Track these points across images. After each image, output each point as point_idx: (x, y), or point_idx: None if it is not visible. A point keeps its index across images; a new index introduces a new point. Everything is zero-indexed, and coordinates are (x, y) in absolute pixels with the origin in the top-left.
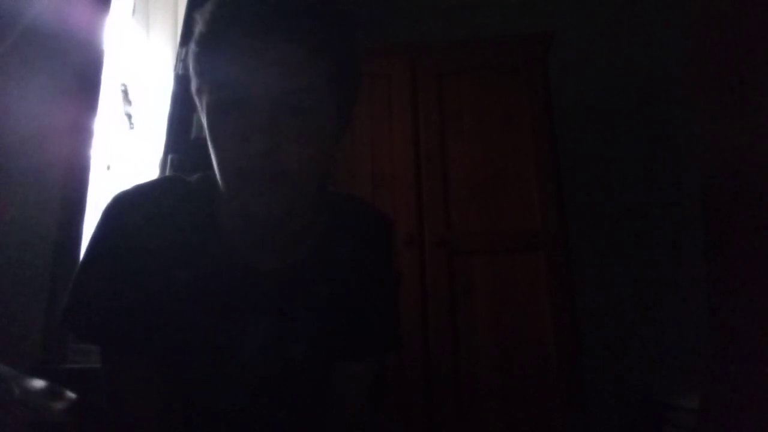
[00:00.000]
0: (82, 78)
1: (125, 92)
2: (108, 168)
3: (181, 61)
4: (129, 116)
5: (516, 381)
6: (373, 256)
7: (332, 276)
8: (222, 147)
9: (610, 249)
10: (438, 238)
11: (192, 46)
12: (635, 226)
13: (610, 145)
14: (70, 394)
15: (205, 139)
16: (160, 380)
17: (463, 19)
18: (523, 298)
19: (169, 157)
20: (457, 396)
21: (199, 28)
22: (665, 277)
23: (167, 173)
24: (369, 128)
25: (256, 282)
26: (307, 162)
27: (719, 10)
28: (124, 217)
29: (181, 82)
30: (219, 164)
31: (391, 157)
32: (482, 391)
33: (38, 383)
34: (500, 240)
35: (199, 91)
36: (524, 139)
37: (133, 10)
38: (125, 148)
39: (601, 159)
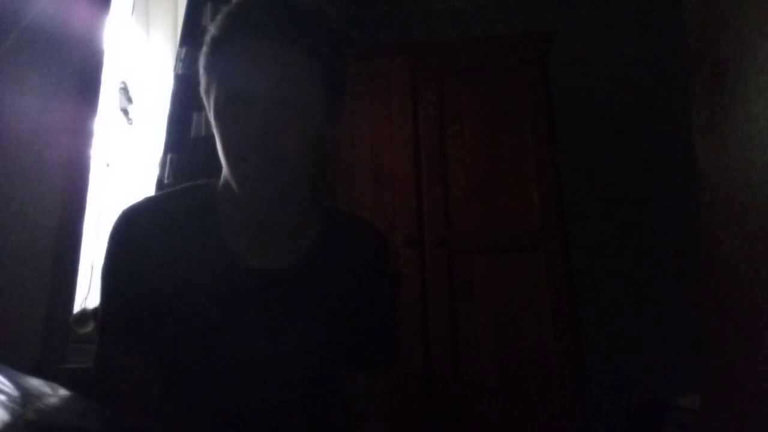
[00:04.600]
0: (82, 78)
1: (125, 89)
2: (107, 165)
3: (181, 61)
4: (126, 112)
5: (516, 381)
6: (367, 267)
7: (324, 282)
8: (226, 133)
9: (610, 249)
10: (438, 238)
11: (204, 48)
12: (635, 225)
13: (609, 144)
14: (71, 394)
15: (204, 139)
16: (154, 376)
17: (463, 19)
18: (523, 298)
19: (169, 157)
20: (457, 396)
21: (211, 32)
22: (665, 276)
23: (167, 173)
24: (369, 128)
25: (250, 280)
26: (297, 148)
27: (717, 8)
28: (130, 227)
29: (181, 81)
30: (224, 149)
31: (391, 157)
32: (482, 391)
33: (38, 383)
34: (500, 240)
35: (208, 89)
36: (524, 139)
37: (132, 9)
38: (125, 146)
39: (601, 158)
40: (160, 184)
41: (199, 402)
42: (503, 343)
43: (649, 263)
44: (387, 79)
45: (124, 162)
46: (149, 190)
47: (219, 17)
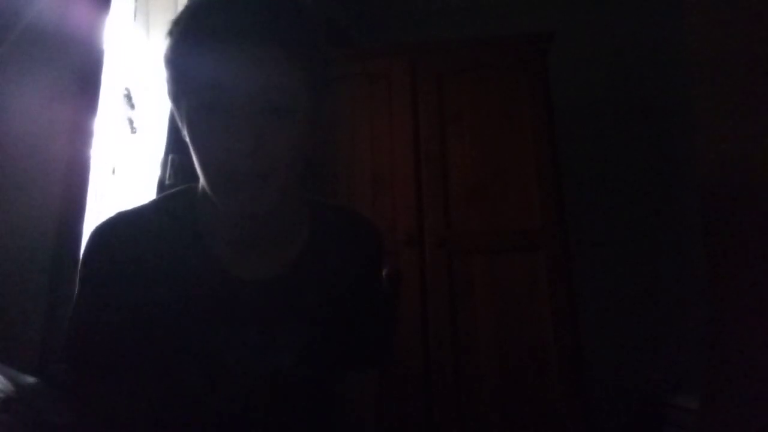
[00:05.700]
0: (82, 78)
1: (128, 96)
2: (113, 172)
3: None
4: (131, 121)
5: (516, 381)
6: (360, 267)
7: (318, 286)
8: (206, 149)
9: (610, 249)
10: (438, 238)
11: (167, 53)
12: (635, 225)
13: (609, 144)
14: (68, 394)
15: None
16: (144, 402)
17: (463, 19)
18: (523, 298)
19: (170, 158)
20: (457, 396)
21: (173, 34)
22: (665, 276)
23: (168, 173)
24: (369, 128)
25: (240, 292)
26: (288, 161)
27: (717, 9)
28: (104, 247)
29: None
30: (203, 166)
31: (391, 157)
32: (482, 391)
33: (37, 383)
34: (500, 240)
35: (177, 97)
36: (524, 139)
37: (135, 13)
38: (130, 152)
39: (601, 158)
40: (161, 185)
41: (196, 417)
42: (503, 343)
43: (649, 263)
44: (387, 79)
45: (127, 167)
46: (151, 193)
47: (182, 16)
